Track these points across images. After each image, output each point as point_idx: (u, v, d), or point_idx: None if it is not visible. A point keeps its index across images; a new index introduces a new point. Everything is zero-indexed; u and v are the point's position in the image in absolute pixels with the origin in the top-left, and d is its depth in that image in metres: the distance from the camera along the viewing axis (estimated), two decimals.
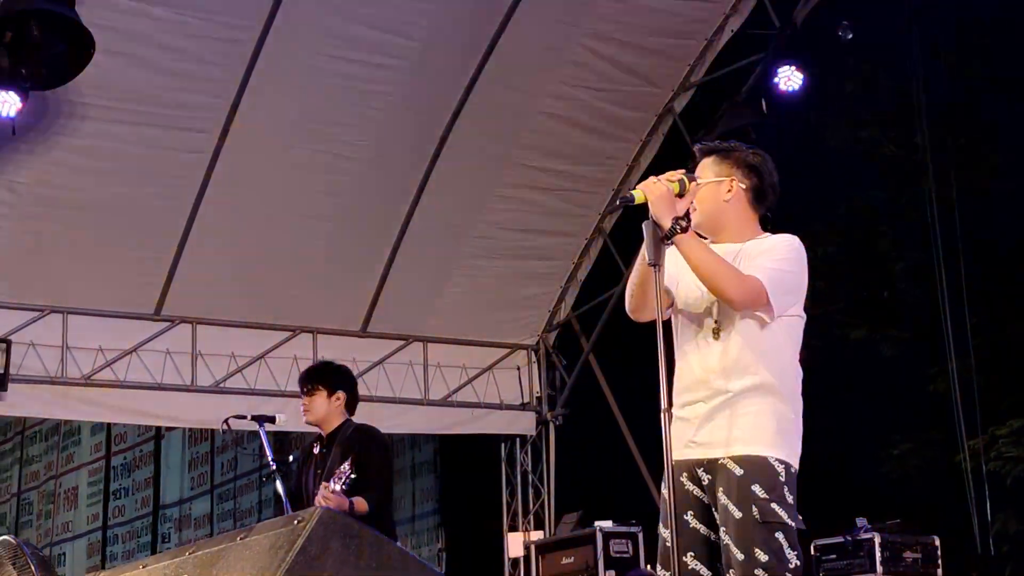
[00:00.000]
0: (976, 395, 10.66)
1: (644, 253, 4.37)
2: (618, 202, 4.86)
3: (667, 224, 4.28)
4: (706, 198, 4.57)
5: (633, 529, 10.92)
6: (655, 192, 4.36)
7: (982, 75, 13.81)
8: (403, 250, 11.71)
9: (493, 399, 12.79)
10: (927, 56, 10.57)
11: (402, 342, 12.33)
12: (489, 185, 11.71)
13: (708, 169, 4.64)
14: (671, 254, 4.43)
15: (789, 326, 4.54)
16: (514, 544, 12.34)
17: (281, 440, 17.81)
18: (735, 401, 4.45)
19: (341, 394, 7.27)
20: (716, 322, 4.47)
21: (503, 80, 10.93)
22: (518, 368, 13.01)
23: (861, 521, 9.50)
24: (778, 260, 4.50)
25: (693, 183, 4.56)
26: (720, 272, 4.35)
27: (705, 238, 4.58)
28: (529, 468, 13.10)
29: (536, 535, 12.35)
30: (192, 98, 10.25)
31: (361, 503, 6.80)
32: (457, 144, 11.22)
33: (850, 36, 10.30)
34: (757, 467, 4.40)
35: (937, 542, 9.61)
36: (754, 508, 4.34)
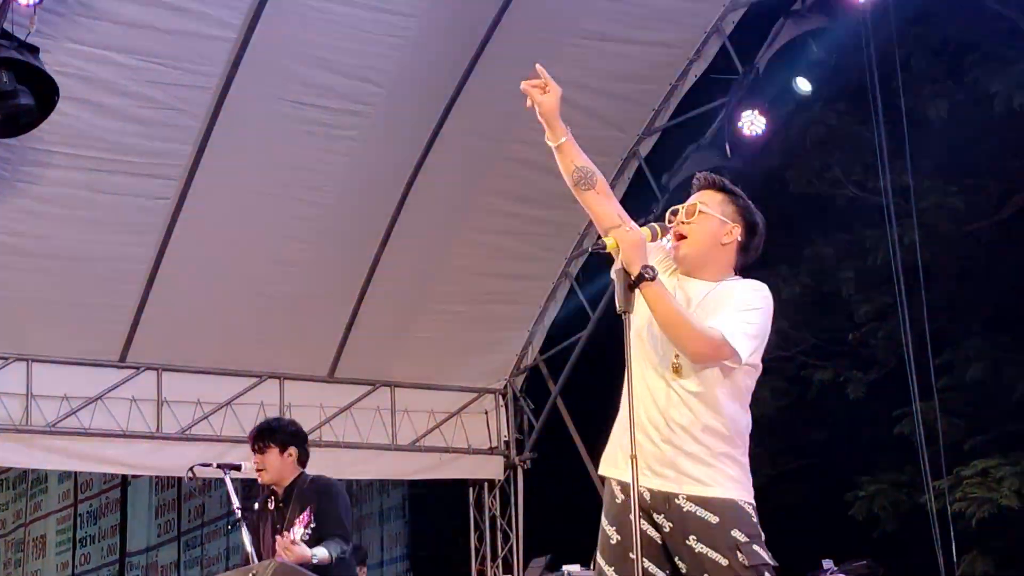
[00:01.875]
0: (941, 436, 10.70)
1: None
2: (591, 249, 4.86)
3: (635, 271, 4.28)
4: (706, 232, 4.59)
5: None
6: (627, 239, 4.35)
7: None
8: (370, 295, 11.71)
9: (461, 444, 12.78)
10: (889, 98, 10.65)
11: (369, 387, 12.31)
12: (456, 229, 11.73)
13: (717, 205, 4.64)
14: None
15: (746, 374, 4.54)
16: None
17: (249, 486, 17.75)
18: (692, 440, 4.42)
19: (293, 450, 7.25)
20: (677, 357, 4.46)
21: (470, 126, 10.98)
22: (486, 412, 13.01)
23: (828, 562, 9.50)
24: (744, 310, 4.51)
25: (665, 232, 4.59)
26: (683, 326, 4.33)
27: (682, 268, 4.61)
28: (498, 512, 13.07)
29: None
30: (157, 145, 10.24)
31: (323, 553, 6.77)
32: (424, 189, 11.25)
33: (807, 90, 10.40)
34: (732, 511, 4.38)
35: None
36: (739, 554, 4.32)
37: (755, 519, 4.42)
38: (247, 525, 7.23)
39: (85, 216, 10.40)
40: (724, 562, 4.31)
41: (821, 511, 16.07)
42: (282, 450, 7.20)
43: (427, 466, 12.64)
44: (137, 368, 11.35)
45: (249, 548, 7.17)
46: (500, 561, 12.90)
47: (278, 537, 6.83)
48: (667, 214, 4.69)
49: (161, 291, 10.94)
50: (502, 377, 13.02)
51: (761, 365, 4.60)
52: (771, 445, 16.78)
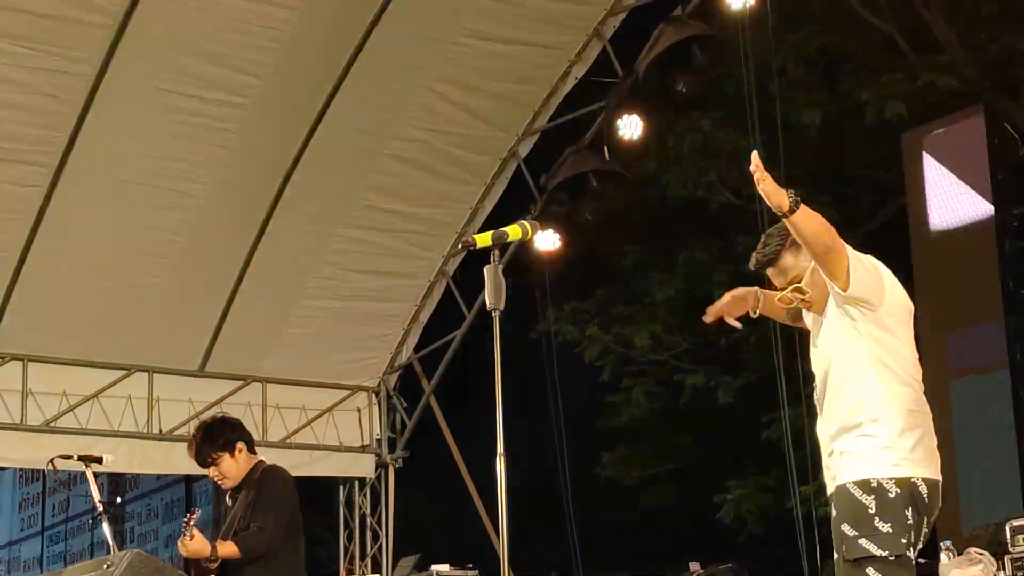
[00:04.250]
0: (808, 442, 10.85)
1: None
2: (461, 246, 4.85)
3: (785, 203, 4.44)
4: (817, 283, 4.64)
5: (470, 573, 10.89)
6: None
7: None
8: (243, 289, 11.58)
9: (332, 441, 12.68)
10: (765, 106, 10.79)
11: (241, 382, 12.17)
12: (332, 225, 11.65)
13: (793, 264, 4.74)
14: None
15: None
16: None
17: (116, 481, 17.47)
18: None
19: (240, 445, 7.10)
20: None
21: (349, 121, 10.91)
22: (358, 410, 12.93)
23: (694, 564, 9.60)
24: None
25: (535, 229, 4.68)
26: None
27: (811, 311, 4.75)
28: (368, 511, 13.00)
29: None
30: (28, 131, 10.03)
31: (227, 547, 6.66)
32: (301, 184, 11.15)
33: (685, 91, 10.49)
34: (845, 499, 4.46)
35: None
36: (844, 547, 4.42)
37: (869, 498, 4.38)
38: (109, 521, 7.10)
39: None
40: (837, 556, 4.46)
41: (689, 514, 16.25)
42: (232, 452, 7.04)
43: (297, 463, 12.48)
44: (2, 358, 11.11)
45: (112, 542, 7.04)
46: (369, 560, 12.83)
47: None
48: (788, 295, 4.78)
49: (28, 280, 10.72)
50: (376, 375, 12.95)
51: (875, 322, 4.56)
52: (641, 448, 16.94)
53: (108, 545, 7.09)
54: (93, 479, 7.32)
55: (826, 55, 14.58)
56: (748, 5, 10.12)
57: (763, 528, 14.96)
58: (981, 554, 7.91)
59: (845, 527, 4.38)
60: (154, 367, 11.73)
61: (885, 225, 14.41)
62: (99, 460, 7.54)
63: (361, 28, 10.40)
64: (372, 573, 12.57)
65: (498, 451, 4.29)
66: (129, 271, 11.09)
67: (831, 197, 14.72)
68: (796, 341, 10.75)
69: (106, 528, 7.10)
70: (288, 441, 12.38)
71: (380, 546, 12.88)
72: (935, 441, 4.53)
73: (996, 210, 10.96)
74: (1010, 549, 8.02)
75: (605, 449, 16.74)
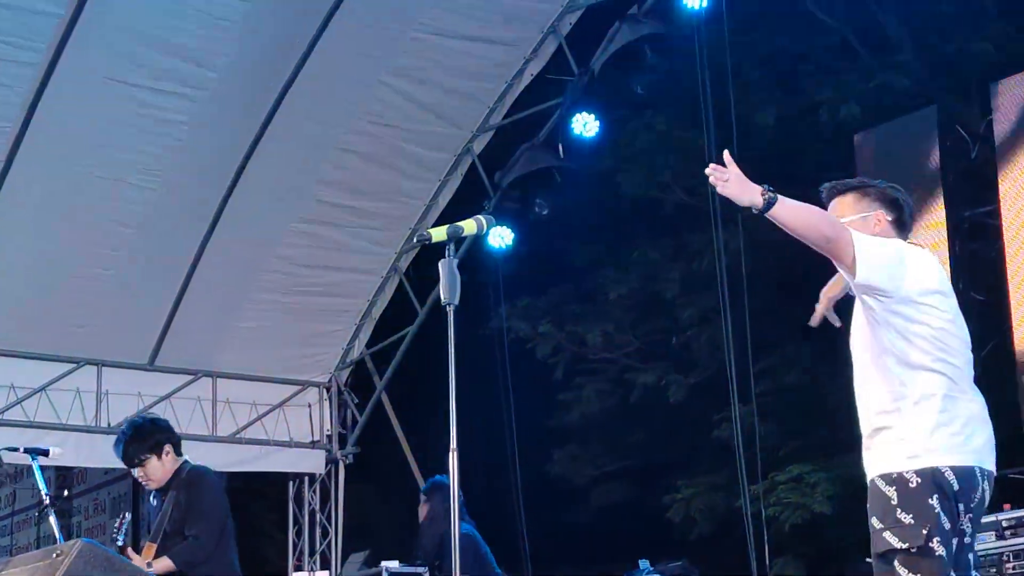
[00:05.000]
0: (758, 441, 10.90)
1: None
2: (416, 240, 4.82)
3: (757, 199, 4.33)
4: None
5: (419, 570, 10.84)
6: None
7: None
8: (195, 283, 11.51)
9: (283, 436, 12.64)
10: (720, 105, 10.81)
11: (191, 377, 12.10)
12: (285, 219, 11.59)
13: (849, 207, 4.66)
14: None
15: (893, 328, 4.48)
16: None
17: (64, 475, 17.36)
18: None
19: (167, 447, 7.06)
20: None
21: (303, 113, 10.85)
22: (309, 405, 12.89)
23: (644, 563, 9.61)
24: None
25: (490, 223, 4.63)
26: (811, 213, 4.41)
27: None
28: (317, 507, 12.95)
29: (322, 575, 12.20)
30: None
31: (163, 562, 6.64)
32: (254, 177, 11.09)
33: (640, 90, 10.50)
34: (872, 495, 4.38)
35: None
36: (873, 541, 4.34)
37: (891, 489, 4.29)
38: (56, 514, 7.04)
39: None
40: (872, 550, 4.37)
41: (639, 512, 16.27)
42: (159, 454, 6.99)
43: (247, 458, 12.47)
44: None
45: (58, 533, 6.99)
46: (318, 556, 12.79)
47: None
48: None
49: None
50: (327, 370, 12.91)
51: (902, 314, 4.42)
52: (592, 446, 16.96)
53: (55, 539, 7.03)
54: (39, 473, 7.25)
55: (781, 55, 14.63)
56: (704, 5, 10.15)
57: (713, 527, 15.00)
58: None
59: (873, 520, 4.32)
60: (103, 360, 11.65)
61: None
62: (46, 453, 7.48)
63: (318, 20, 10.34)
64: (321, 569, 12.52)
65: (451, 447, 4.27)
66: (79, 263, 10.99)
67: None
68: (747, 340, 10.79)
69: (53, 522, 7.03)
70: (238, 436, 12.32)
71: (329, 542, 12.84)
72: (981, 426, 4.40)
73: (947, 211, 11.02)
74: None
75: (556, 447, 16.75)
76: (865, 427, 4.49)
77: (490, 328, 13.27)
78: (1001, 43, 13.19)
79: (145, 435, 6.94)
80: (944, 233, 10.22)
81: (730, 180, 4.34)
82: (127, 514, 6.87)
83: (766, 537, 10.32)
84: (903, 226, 4.63)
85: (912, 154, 11.38)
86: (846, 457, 13.65)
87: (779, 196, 4.30)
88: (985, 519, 8.12)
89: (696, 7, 10.16)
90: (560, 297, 16.42)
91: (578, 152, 11.45)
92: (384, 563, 10.58)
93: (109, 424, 11.46)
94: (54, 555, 3.99)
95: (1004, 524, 7.95)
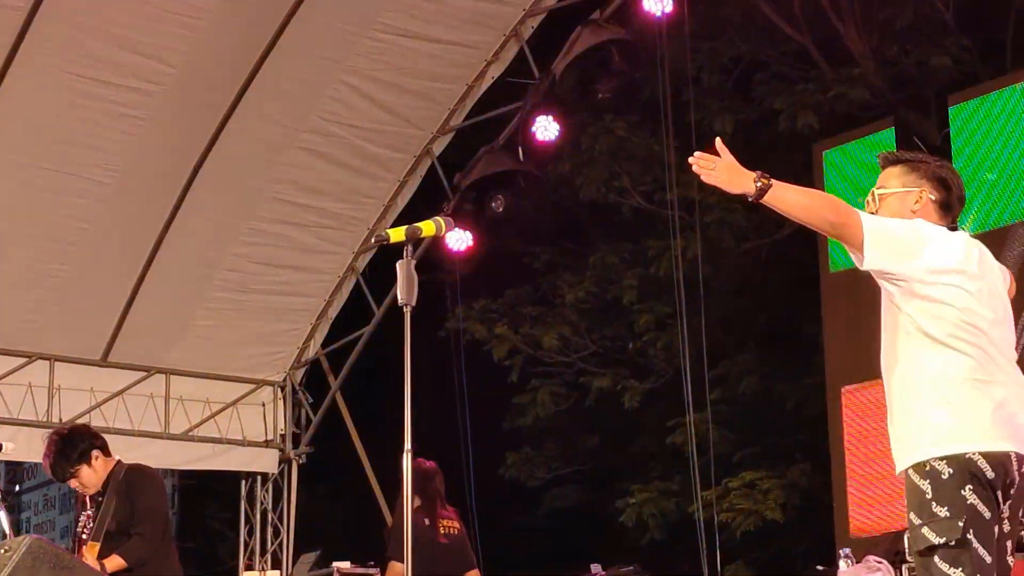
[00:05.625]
0: (712, 447, 10.95)
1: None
2: (373, 240, 4.82)
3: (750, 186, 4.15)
4: (892, 207, 4.44)
5: (371, 570, 10.82)
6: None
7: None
8: (149, 279, 11.44)
9: (236, 435, 12.57)
10: (679, 111, 10.86)
11: (144, 373, 12.02)
12: (242, 218, 11.54)
13: (895, 179, 4.50)
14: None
15: (912, 301, 4.30)
16: None
17: (15, 470, 17.22)
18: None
19: (96, 452, 7.02)
20: None
21: (262, 112, 10.80)
22: (263, 404, 12.83)
23: (596, 567, 9.62)
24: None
25: (449, 226, 4.57)
26: (813, 196, 4.24)
27: None
28: (269, 506, 12.90)
29: (273, 574, 12.16)
30: None
31: (114, 561, 6.61)
32: (212, 174, 11.03)
33: (601, 95, 10.51)
34: (908, 487, 4.19)
35: None
36: (912, 540, 4.18)
37: (925, 482, 4.11)
38: (7, 509, 7.00)
39: None
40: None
41: (592, 516, 16.31)
42: (88, 462, 6.95)
43: (200, 456, 12.41)
44: None
45: (7, 529, 6.94)
46: (269, 556, 12.74)
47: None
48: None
49: None
50: (282, 370, 12.86)
51: (922, 296, 4.24)
52: (546, 449, 16.98)
53: (5, 533, 6.98)
54: None
55: (741, 63, 14.70)
56: (665, 11, 10.17)
57: (666, 532, 15.05)
58: (880, 562, 8.00)
59: (911, 516, 4.15)
60: (56, 355, 11.55)
61: (794, 233, 14.55)
62: None
63: (278, 19, 10.30)
64: (272, 569, 12.48)
65: (406, 448, 4.26)
66: (32, 257, 10.90)
67: (741, 204, 14.85)
68: (703, 346, 10.84)
69: (3, 517, 6.99)
70: (191, 434, 12.25)
71: (281, 542, 12.78)
72: (1017, 409, 4.18)
73: None
74: (908, 558, 8.12)
75: (510, 449, 16.76)
76: (891, 416, 4.31)
77: (446, 329, 13.28)
78: (960, 58, 13.31)
79: (69, 450, 6.91)
80: None
81: (717, 168, 4.18)
82: (90, 509, 6.83)
83: (718, 543, 10.36)
84: (948, 208, 4.46)
85: (870, 165, 11.45)
86: (799, 465, 13.76)
87: (775, 182, 4.13)
88: None
89: (658, 13, 10.18)
90: (517, 300, 16.44)
91: (538, 155, 11.45)
92: (335, 563, 10.56)
93: (60, 419, 11.35)
94: (2, 551, 3.95)
95: None
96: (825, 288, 11.07)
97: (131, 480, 6.89)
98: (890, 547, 8.31)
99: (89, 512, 7.00)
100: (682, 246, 10.84)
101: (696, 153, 4.24)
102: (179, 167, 10.97)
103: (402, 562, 7.93)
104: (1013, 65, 12.26)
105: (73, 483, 6.93)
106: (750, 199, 4.14)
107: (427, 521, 7.67)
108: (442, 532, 7.78)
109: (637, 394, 15.53)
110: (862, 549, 8.38)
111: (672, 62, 10.63)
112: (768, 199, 4.13)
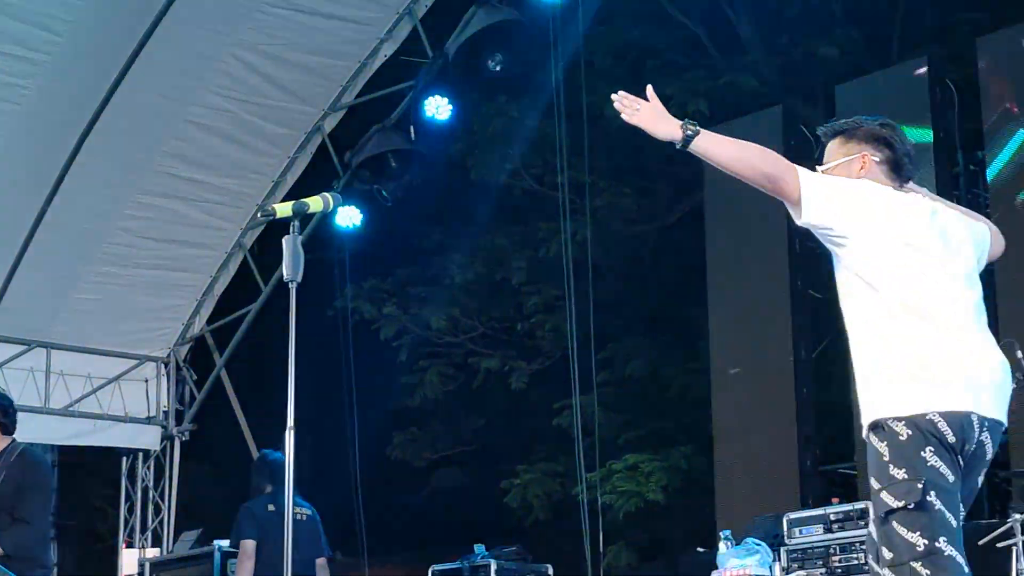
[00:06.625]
0: (597, 429, 11.01)
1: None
2: (260, 215, 4.77)
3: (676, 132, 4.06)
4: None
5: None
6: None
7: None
8: (31, 251, 11.24)
9: (118, 411, 12.43)
10: (570, 94, 10.88)
11: (24, 347, 11.83)
12: (128, 191, 11.38)
13: (835, 151, 4.37)
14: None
15: (857, 262, 4.19)
16: (128, 561, 11.98)
17: None
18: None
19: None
20: None
21: (149, 84, 10.64)
22: (146, 380, 12.69)
23: (479, 547, 9.65)
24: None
25: (336, 200, 4.54)
26: (745, 148, 4.12)
27: None
28: (151, 484, 12.76)
29: (153, 552, 12.04)
30: None
31: None
32: (97, 146, 10.85)
33: (498, 68, 10.48)
34: (870, 453, 4.05)
35: (551, 571, 9.86)
36: (872, 505, 4.05)
37: (882, 444, 3.97)
38: None
39: None
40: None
41: (477, 496, 16.35)
42: None
43: (80, 432, 12.25)
44: None
45: None
46: (150, 533, 12.61)
47: None
48: None
49: None
50: (166, 346, 12.72)
51: (867, 258, 4.14)
52: (433, 429, 16.98)
53: None
54: None
55: (633, 48, 14.76)
56: None
57: (549, 513, 15.13)
58: (759, 544, 8.11)
59: (872, 481, 3.99)
60: None
61: (682, 218, 14.68)
62: None
63: None
64: (152, 547, 12.36)
65: (288, 424, 4.23)
66: None
67: (632, 189, 14.95)
68: (591, 329, 10.89)
69: None
70: (71, 409, 12.09)
71: (162, 520, 12.67)
72: (978, 371, 4.05)
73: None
74: (786, 541, 8.24)
75: (397, 429, 16.74)
76: (856, 384, 4.17)
77: (334, 308, 13.20)
78: (847, 48, 13.48)
79: None
80: (784, 230, 10.37)
81: (642, 110, 4.12)
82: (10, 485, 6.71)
83: (601, 524, 10.43)
84: (897, 167, 4.33)
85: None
86: (681, 448, 13.89)
87: (703, 130, 4.03)
88: (813, 512, 8.32)
89: None
90: (406, 279, 16.40)
91: (430, 135, 11.42)
92: (216, 541, 10.47)
93: None
94: None
95: (832, 518, 8.12)
96: (711, 273, 11.16)
97: (26, 463, 6.78)
98: (769, 529, 8.43)
99: None
100: (572, 229, 10.86)
101: (620, 92, 4.17)
102: (64, 137, 10.79)
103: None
104: (900, 59, 12.44)
105: None
106: (678, 145, 4.03)
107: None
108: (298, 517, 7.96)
109: (524, 375, 15.59)
110: (742, 532, 8.49)
111: (565, 46, 10.64)
112: (696, 146, 4.03)
